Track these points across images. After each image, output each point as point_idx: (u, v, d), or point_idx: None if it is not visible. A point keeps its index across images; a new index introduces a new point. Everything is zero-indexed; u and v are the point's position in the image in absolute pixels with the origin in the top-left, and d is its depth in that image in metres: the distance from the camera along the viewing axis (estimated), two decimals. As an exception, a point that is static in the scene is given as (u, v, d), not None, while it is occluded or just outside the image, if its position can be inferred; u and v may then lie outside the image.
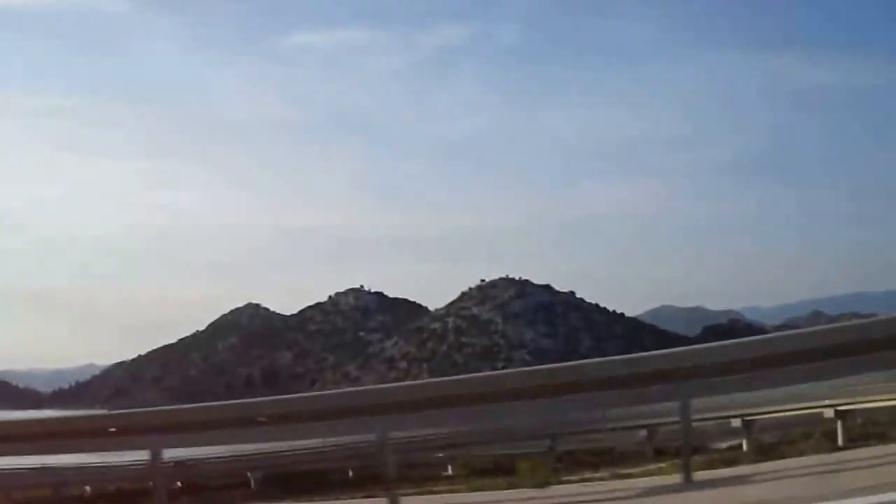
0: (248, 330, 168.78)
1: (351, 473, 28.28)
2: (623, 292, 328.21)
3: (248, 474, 27.59)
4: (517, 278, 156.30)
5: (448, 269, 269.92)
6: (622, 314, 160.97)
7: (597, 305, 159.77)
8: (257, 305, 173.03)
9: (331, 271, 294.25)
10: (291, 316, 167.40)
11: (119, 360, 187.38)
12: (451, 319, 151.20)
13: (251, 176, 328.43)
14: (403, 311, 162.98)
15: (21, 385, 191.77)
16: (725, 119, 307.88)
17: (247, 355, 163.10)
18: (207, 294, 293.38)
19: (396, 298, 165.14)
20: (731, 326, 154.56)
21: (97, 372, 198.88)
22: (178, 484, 26.38)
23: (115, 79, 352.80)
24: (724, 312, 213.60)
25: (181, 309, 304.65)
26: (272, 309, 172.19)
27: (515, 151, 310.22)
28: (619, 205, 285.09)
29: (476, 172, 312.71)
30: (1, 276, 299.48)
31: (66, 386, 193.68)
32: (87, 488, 28.29)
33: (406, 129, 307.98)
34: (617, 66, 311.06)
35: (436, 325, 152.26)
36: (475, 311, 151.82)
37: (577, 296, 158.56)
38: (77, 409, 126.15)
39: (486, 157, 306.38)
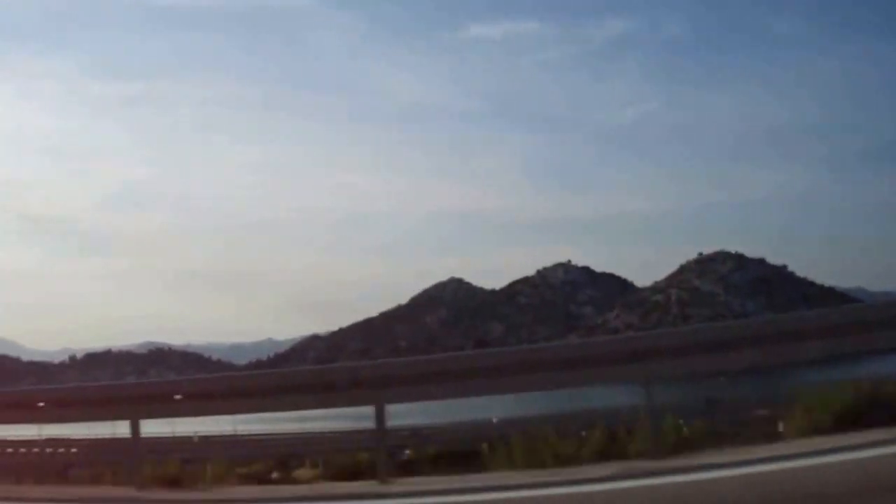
0: (454, 303, 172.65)
1: (685, 430, 28.74)
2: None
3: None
4: (733, 252, 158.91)
5: (623, 247, 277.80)
6: (832, 288, 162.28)
7: (805, 279, 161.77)
8: (460, 280, 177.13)
9: (519, 250, 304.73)
10: (499, 290, 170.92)
11: (311, 333, 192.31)
12: (673, 291, 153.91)
13: (425, 160, 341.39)
14: (611, 285, 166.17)
15: (214, 358, 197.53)
16: (861, 108, 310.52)
17: (456, 328, 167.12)
18: (393, 272, 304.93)
19: (603, 273, 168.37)
20: None
21: (277, 346, 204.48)
22: (407, 453, 26.39)
23: (293, 68, 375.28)
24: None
25: (366, 287, 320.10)
26: (475, 284, 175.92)
27: (678, 137, 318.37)
28: (769, 189, 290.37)
29: (642, 157, 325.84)
30: (182, 256, 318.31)
31: (249, 360, 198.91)
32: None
33: (575, 116, 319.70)
34: (769, 56, 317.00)
35: (657, 296, 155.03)
36: (697, 283, 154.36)
37: (789, 269, 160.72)
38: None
39: (652, 143, 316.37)
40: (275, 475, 24.40)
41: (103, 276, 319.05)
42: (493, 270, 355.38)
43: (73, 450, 30.85)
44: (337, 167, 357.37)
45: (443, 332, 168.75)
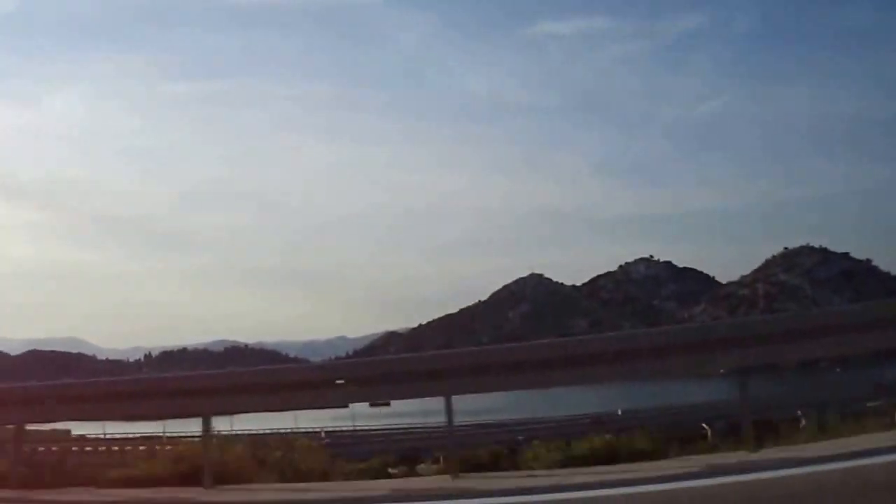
0: (535, 299, 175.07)
1: (804, 422, 28.59)
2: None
3: (704, 425, 26.63)
4: (817, 246, 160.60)
5: (703, 243, 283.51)
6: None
7: (888, 273, 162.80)
8: (540, 276, 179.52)
9: (597, 246, 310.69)
10: (581, 285, 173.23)
11: (386, 331, 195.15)
12: (760, 285, 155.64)
13: (497, 157, 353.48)
14: (694, 280, 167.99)
15: (292, 355, 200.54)
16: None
17: (539, 323, 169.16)
18: (470, 269, 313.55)
19: (685, 268, 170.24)
20: None
21: (350, 344, 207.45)
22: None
23: (366, 66, 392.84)
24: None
25: (442, 284, 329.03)
26: (555, 279, 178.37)
27: (754, 132, 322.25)
28: (849, 183, 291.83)
29: (718, 152, 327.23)
30: (254, 254, 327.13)
31: (322, 357, 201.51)
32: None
33: (649, 111, 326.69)
34: (844, 50, 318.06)
35: (744, 291, 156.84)
36: (782, 277, 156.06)
37: (873, 264, 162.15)
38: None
39: (727, 138, 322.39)
40: (392, 470, 24.29)
41: (174, 275, 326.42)
42: (572, 266, 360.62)
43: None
44: (412, 164, 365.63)
45: (525, 327, 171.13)
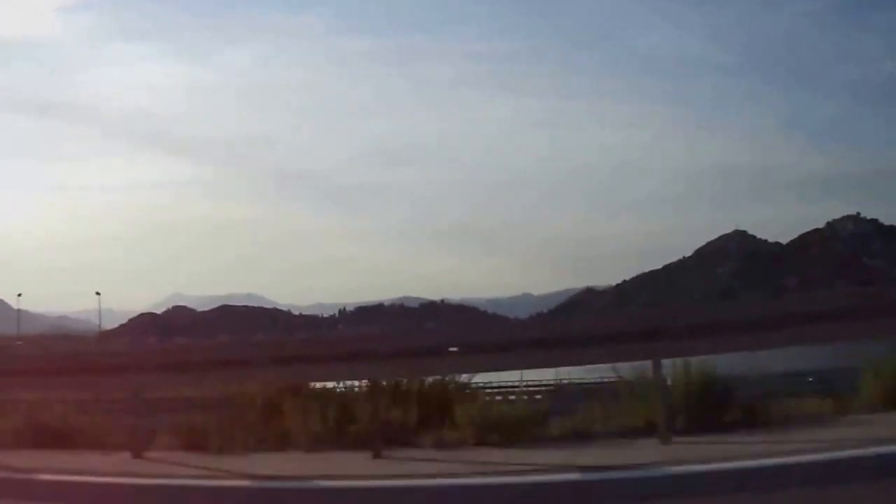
0: (741, 256, 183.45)
1: None
2: None
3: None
4: None
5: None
6: None
7: None
8: (744, 233, 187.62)
9: (792, 203, 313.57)
10: (788, 242, 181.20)
11: (571, 287, 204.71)
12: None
13: (682, 114, 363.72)
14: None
15: (490, 312, 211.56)
16: None
17: (749, 279, 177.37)
18: (663, 227, 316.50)
19: (892, 226, 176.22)
20: None
21: (536, 301, 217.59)
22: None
23: (542, 21, 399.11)
24: None
25: (635, 241, 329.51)
26: (759, 237, 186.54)
27: None
28: None
29: None
30: (433, 211, 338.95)
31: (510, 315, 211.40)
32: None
33: (831, 69, 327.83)
34: None
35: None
36: None
37: None
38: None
39: None
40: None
41: (353, 232, 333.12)
42: (773, 224, 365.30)
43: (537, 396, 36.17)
44: (597, 119, 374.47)
45: (735, 284, 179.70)
